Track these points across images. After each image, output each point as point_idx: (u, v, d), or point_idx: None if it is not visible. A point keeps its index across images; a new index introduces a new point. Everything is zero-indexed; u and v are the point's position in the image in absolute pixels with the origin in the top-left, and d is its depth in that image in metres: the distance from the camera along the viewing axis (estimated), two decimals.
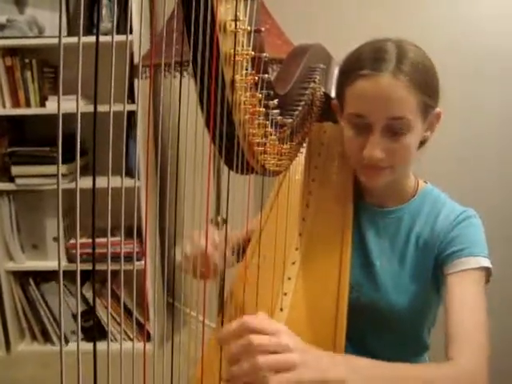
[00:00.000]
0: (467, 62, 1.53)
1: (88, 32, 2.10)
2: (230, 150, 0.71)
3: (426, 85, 0.84)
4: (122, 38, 2.03)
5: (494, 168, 1.57)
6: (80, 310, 2.46)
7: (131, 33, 2.00)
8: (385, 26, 1.59)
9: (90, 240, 2.12)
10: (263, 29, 0.68)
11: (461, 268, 0.86)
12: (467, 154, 1.60)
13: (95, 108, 0.41)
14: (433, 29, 1.57)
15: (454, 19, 1.55)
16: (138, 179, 2.17)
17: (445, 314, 0.83)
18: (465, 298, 0.82)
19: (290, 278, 0.95)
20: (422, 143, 0.92)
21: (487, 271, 0.87)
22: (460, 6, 1.55)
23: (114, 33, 0.41)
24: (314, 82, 0.97)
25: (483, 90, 1.54)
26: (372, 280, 0.96)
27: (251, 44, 0.65)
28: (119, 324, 2.38)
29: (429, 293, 0.95)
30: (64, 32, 2.20)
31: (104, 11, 2.17)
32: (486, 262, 0.87)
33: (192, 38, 0.58)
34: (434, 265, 0.93)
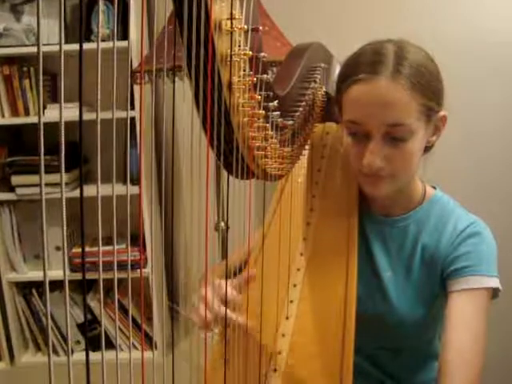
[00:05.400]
0: (469, 64, 1.50)
1: (85, 39, 2.08)
2: (229, 154, 0.68)
3: (428, 87, 0.79)
4: (116, 44, 2.02)
5: (496, 171, 1.54)
6: (83, 319, 2.43)
7: (125, 38, 1.98)
8: (387, 24, 1.57)
9: (94, 248, 2.10)
10: (261, 28, 0.65)
11: (462, 287, 0.82)
12: (470, 156, 1.57)
13: (80, 117, 0.38)
14: (437, 29, 1.54)
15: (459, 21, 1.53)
16: (134, 185, 2.14)
17: (443, 332, 0.81)
18: (464, 320, 0.79)
19: (295, 285, 0.92)
20: (428, 148, 0.88)
21: (494, 290, 0.83)
22: (462, 10, 1.52)
23: (100, 39, 0.39)
24: (315, 81, 0.94)
25: (485, 94, 1.51)
26: (379, 291, 0.93)
27: (248, 44, 0.62)
28: (125, 334, 2.35)
29: (437, 303, 0.90)
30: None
31: (101, 18, 2.16)
32: (492, 282, 0.83)
33: (186, 37, 0.55)
34: (440, 279, 0.89)
